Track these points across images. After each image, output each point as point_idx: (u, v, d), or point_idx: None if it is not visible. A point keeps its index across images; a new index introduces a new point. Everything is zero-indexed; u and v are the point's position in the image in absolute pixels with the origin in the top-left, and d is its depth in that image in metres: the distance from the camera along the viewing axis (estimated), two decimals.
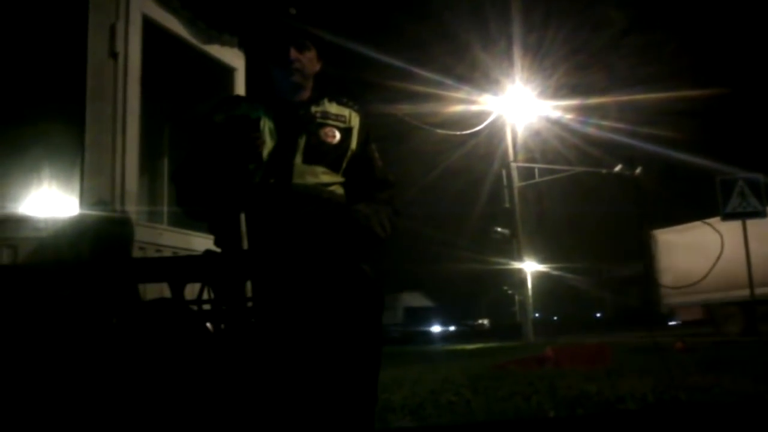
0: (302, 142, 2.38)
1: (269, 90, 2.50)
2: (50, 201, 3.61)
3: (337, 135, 2.45)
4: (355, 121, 2.53)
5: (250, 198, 2.30)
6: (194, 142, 2.50)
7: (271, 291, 2.29)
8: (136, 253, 3.11)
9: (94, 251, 2.86)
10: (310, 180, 2.36)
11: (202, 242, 3.57)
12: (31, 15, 3.51)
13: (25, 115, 3.69)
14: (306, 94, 2.50)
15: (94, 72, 3.20)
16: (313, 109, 2.47)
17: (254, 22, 2.46)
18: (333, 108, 2.52)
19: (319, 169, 2.38)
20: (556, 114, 24.27)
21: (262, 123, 2.37)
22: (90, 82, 3.19)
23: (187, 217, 2.66)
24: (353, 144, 2.49)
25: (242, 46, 4.12)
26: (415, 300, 35.91)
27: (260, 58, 2.55)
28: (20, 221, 3.05)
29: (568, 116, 24.02)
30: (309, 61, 2.47)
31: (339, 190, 2.44)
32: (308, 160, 2.37)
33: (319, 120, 2.45)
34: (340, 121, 2.49)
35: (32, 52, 3.62)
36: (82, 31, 3.23)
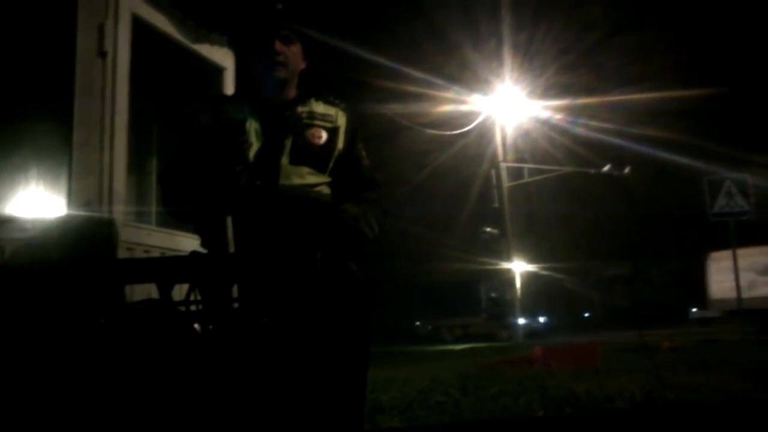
0: (288, 143, 2.36)
1: (254, 88, 2.48)
2: (37, 201, 3.58)
3: (324, 135, 2.42)
4: (342, 120, 2.49)
5: (236, 200, 2.29)
6: (180, 143, 2.48)
7: (258, 292, 2.29)
8: (124, 254, 3.10)
9: (79, 252, 2.85)
10: (297, 181, 2.34)
11: (190, 243, 3.55)
12: (18, 13, 3.49)
13: (12, 115, 3.66)
14: (291, 93, 2.48)
15: (82, 71, 3.18)
16: (300, 108, 2.45)
17: (240, 17, 2.44)
18: (319, 107, 2.49)
19: (306, 170, 2.36)
20: (545, 114, 24.38)
21: (248, 124, 2.36)
22: (78, 81, 3.17)
23: (174, 219, 2.65)
24: (340, 144, 2.46)
25: (231, 45, 4.11)
26: None
27: (246, 55, 2.53)
28: (7, 222, 3.03)
29: (558, 116, 24.14)
30: (294, 55, 2.43)
31: (326, 190, 2.42)
32: (295, 161, 2.35)
33: (305, 120, 2.42)
34: (327, 120, 2.46)
35: (20, 51, 3.59)
36: (70, 30, 3.21)
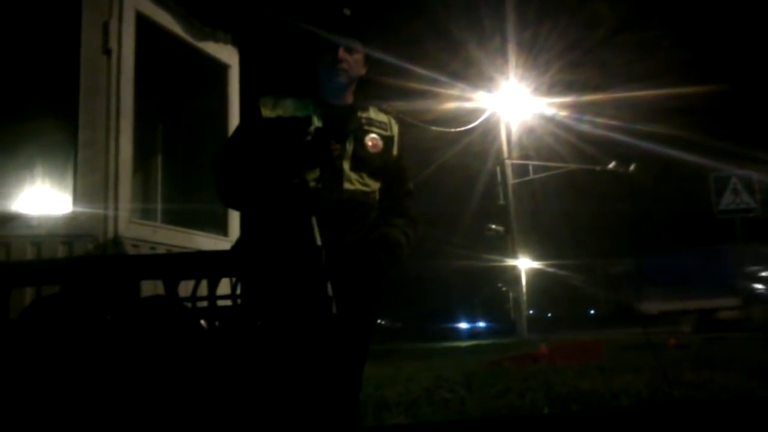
0: (350, 148, 2.41)
1: (314, 90, 2.50)
2: (43, 198, 3.59)
3: (381, 144, 2.49)
4: (395, 129, 2.57)
5: (304, 199, 2.31)
6: (240, 131, 2.52)
7: (266, 287, 2.31)
8: (130, 251, 3.11)
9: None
10: (357, 186, 2.41)
11: (195, 240, 3.57)
12: (24, 12, 3.49)
13: (19, 113, 3.67)
14: (350, 98, 2.53)
15: (87, 69, 3.19)
16: (360, 114, 2.50)
17: (303, 20, 2.48)
18: (376, 115, 2.55)
19: (365, 176, 2.43)
20: (550, 111, 24.27)
21: (312, 124, 2.39)
22: (83, 80, 3.18)
23: (225, 204, 2.70)
24: (394, 152, 2.54)
25: (237, 43, 4.10)
26: None
27: (308, 59, 2.56)
28: (13, 219, 3.04)
29: (563, 113, 24.03)
30: (356, 63, 2.49)
31: (377, 195, 2.50)
32: (355, 167, 2.41)
33: (365, 127, 2.48)
34: (383, 128, 2.53)
35: (25, 50, 3.60)
36: (75, 28, 3.21)
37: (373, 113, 2.54)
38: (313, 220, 2.26)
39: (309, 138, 2.30)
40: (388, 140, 2.52)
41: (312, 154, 2.29)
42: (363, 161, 2.43)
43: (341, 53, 2.43)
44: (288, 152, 2.30)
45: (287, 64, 3.94)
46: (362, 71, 2.54)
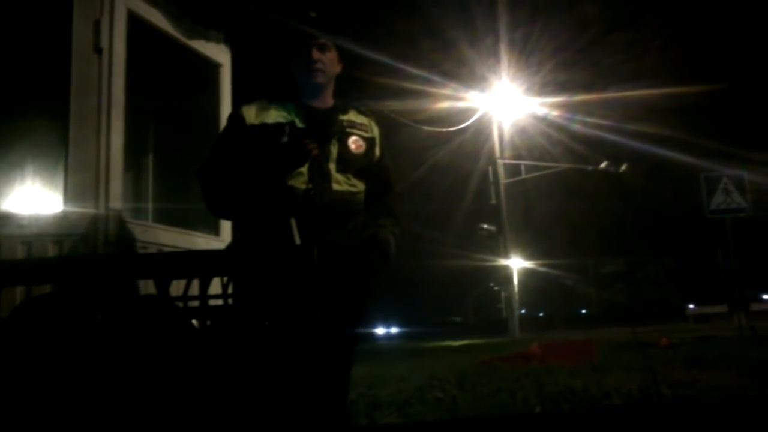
0: (335, 150, 2.44)
1: (293, 94, 2.52)
2: (34, 197, 3.57)
3: (363, 145, 2.52)
4: (375, 130, 2.60)
5: (293, 202, 2.31)
6: (222, 140, 2.54)
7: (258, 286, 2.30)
8: (121, 251, 3.09)
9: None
10: (345, 187, 2.43)
11: (186, 239, 3.55)
12: (14, 9, 3.47)
13: (8, 111, 3.65)
14: (329, 99, 2.56)
15: (78, 67, 3.17)
16: (341, 117, 2.53)
17: (273, 24, 2.55)
18: (357, 117, 2.58)
19: (350, 176, 2.46)
20: (542, 111, 24.36)
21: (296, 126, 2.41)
22: (74, 78, 3.16)
23: (213, 215, 2.70)
24: (377, 153, 2.57)
25: (229, 42, 4.09)
26: None
27: (281, 61, 2.59)
28: (3, 218, 3.02)
29: (555, 113, 24.12)
30: (330, 61, 2.52)
31: (363, 196, 2.52)
32: (341, 168, 2.44)
33: (346, 129, 2.51)
34: (364, 130, 2.56)
35: (15, 48, 3.57)
36: (66, 26, 3.20)
37: (353, 115, 2.57)
38: (293, 221, 2.26)
39: (286, 139, 2.31)
40: (370, 141, 2.55)
41: (291, 155, 2.29)
42: (348, 162, 2.45)
43: (315, 54, 2.46)
44: (269, 156, 2.31)
45: (272, 66, 3.95)
46: (338, 69, 2.58)
